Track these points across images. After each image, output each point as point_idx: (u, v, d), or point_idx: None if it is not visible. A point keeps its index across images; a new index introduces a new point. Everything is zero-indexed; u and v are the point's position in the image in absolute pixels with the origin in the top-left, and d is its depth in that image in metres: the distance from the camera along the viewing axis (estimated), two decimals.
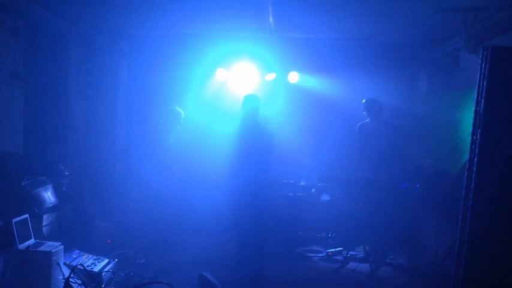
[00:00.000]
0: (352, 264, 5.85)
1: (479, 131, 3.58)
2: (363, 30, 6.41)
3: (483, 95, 3.57)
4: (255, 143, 4.91)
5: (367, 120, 6.16)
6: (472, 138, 3.64)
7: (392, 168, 5.86)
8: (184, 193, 6.35)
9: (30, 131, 5.45)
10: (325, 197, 6.91)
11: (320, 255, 6.29)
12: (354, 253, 6.17)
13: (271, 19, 5.65)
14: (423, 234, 5.83)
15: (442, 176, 5.48)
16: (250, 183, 4.83)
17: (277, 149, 5.22)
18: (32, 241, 4.27)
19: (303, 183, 7.21)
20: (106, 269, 4.53)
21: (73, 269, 3.52)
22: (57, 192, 5.07)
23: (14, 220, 4.08)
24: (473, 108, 3.66)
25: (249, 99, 5.19)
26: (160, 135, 6.17)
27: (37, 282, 4.00)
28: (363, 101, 6.13)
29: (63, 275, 3.73)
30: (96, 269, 4.43)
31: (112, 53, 7.20)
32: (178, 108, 6.32)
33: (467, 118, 4.20)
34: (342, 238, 6.51)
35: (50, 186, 4.98)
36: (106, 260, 4.71)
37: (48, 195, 4.88)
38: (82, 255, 4.68)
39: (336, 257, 6.12)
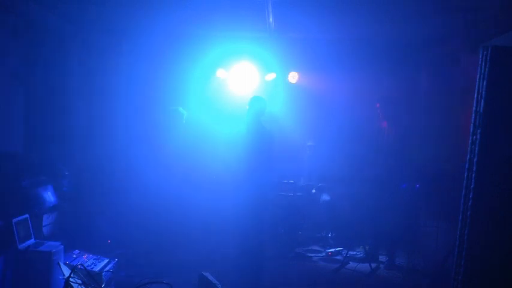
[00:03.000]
0: (352, 264, 5.86)
1: (479, 131, 3.58)
2: (363, 30, 6.40)
3: (483, 95, 3.57)
4: (259, 146, 4.90)
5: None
6: (472, 138, 3.64)
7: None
8: (184, 193, 6.34)
9: (30, 131, 5.45)
10: (325, 197, 6.91)
11: (320, 255, 6.29)
12: (354, 253, 6.17)
13: (271, 19, 5.65)
14: (423, 234, 5.83)
15: (442, 176, 5.48)
16: (251, 185, 4.83)
17: (278, 149, 5.21)
18: (32, 241, 4.27)
19: (302, 183, 7.21)
20: (106, 268, 4.53)
21: (73, 269, 3.51)
22: (57, 192, 5.07)
23: (14, 220, 4.08)
24: (473, 108, 3.66)
25: (255, 100, 5.17)
26: (161, 135, 6.17)
27: (37, 282, 4.01)
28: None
29: (63, 275, 3.72)
30: (97, 268, 4.43)
31: (112, 53, 7.18)
32: (181, 109, 6.32)
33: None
34: (342, 238, 6.52)
35: (50, 186, 4.98)
36: (106, 260, 4.71)
37: (48, 195, 4.88)
38: (82, 255, 4.68)
39: (336, 257, 6.13)
